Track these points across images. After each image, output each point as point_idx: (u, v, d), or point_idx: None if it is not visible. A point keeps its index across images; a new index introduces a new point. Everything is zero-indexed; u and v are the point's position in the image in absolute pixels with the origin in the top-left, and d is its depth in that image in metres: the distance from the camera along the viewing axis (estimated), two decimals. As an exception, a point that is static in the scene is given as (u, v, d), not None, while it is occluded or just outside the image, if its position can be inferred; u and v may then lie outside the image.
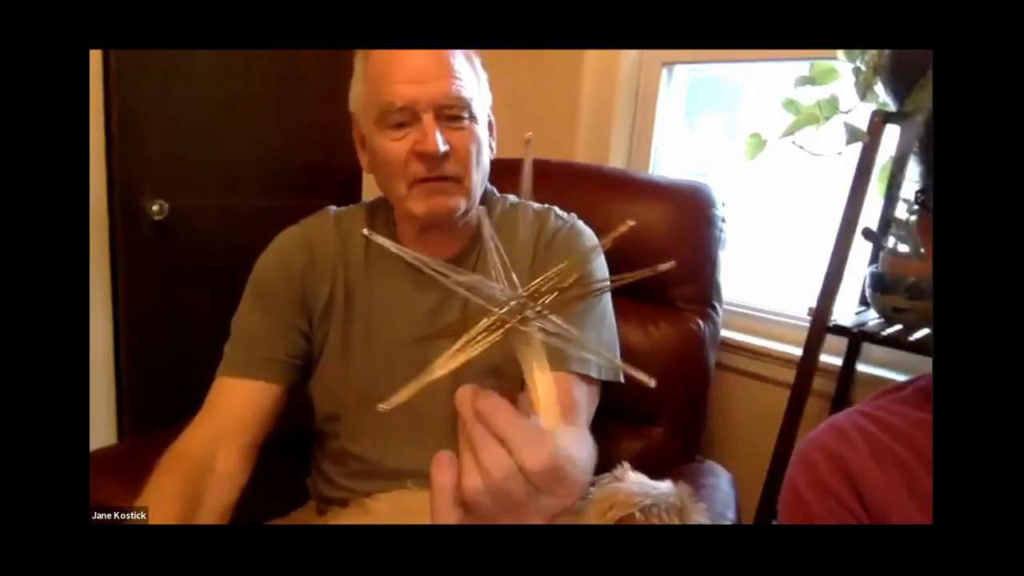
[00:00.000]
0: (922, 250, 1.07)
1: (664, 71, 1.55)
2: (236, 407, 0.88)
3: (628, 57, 1.56)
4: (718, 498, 1.05)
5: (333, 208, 0.99)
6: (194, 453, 0.84)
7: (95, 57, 1.37)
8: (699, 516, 0.81)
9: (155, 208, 1.46)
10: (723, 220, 1.23)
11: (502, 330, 0.41)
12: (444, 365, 0.42)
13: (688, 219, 1.21)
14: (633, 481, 0.83)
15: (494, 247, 0.43)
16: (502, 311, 0.41)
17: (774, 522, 0.80)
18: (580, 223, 0.97)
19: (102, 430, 1.49)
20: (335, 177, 1.22)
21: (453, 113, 0.82)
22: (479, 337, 0.42)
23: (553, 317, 0.42)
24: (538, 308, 0.41)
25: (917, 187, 0.57)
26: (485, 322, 0.42)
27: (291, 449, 1.04)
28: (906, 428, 0.57)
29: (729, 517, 1.00)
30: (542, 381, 0.41)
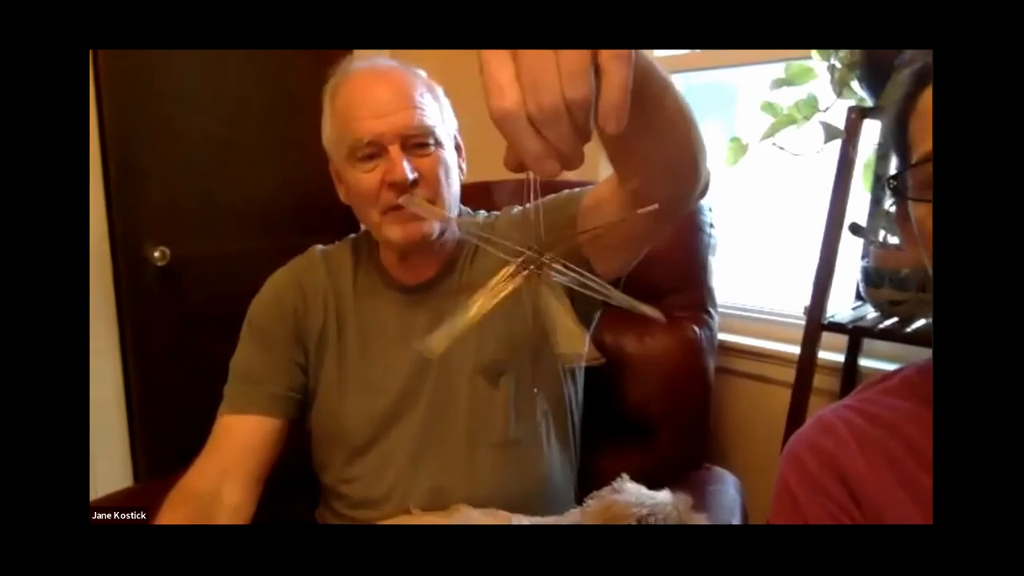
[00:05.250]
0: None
1: (647, 82, 1.56)
2: (238, 442, 0.91)
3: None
4: (724, 504, 1.05)
5: (320, 247, 1.03)
6: (199, 489, 0.87)
7: (90, 110, 1.42)
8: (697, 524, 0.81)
9: (157, 255, 1.50)
10: (712, 226, 1.23)
11: (521, 275, 0.46)
12: (476, 307, 0.46)
13: (676, 227, 1.22)
14: (630, 492, 0.83)
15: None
16: (519, 260, 0.46)
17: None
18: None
19: (118, 473, 1.52)
20: (331, 216, 1.26)
21: (418, 141, 0.86)
22: (502, 285, 0.46)
23: (564, 264, 0.47)
24: (549, 257, 0.46)
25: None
26: (505, 271, 0.46)
27: (302, 484, 1.06)
28: (892, 419, 0.57)
29: (734, 523, 1.00)
30: (560, 311, 0.45)
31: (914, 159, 0.53)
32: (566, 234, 0.48)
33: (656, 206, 0.51)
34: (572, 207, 0.86)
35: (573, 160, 0.39)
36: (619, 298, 0.48)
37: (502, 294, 0.46)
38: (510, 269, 0.46)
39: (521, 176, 0.43)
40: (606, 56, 0.37)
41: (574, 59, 0.36)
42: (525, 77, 0.37)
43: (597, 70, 0.37)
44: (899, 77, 0.56)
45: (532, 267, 0.46)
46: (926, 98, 0.52)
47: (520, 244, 0.47)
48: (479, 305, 0.46)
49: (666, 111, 0.60)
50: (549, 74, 0.36)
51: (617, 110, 0.37)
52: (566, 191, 0.92)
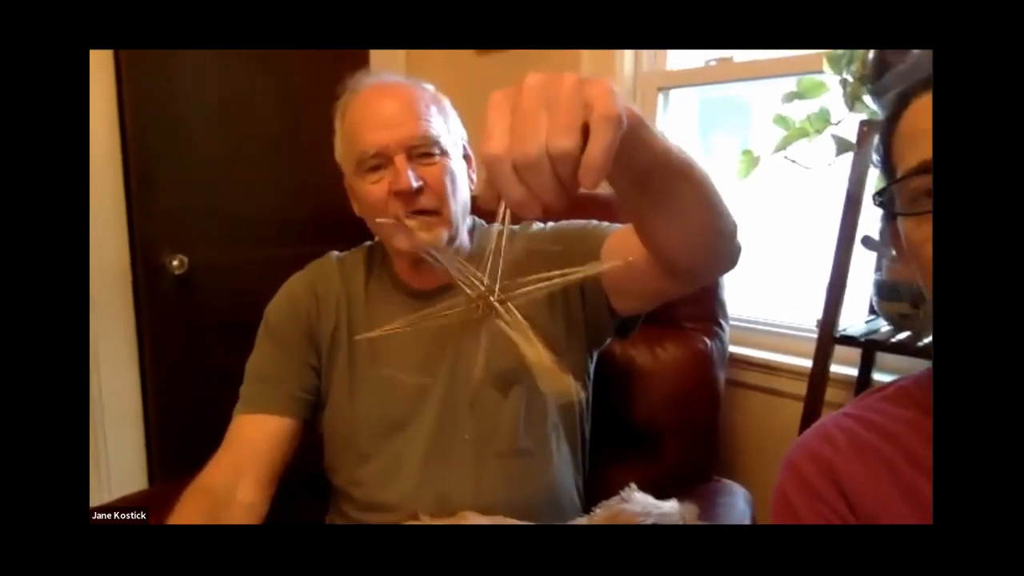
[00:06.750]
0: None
1: (660, 96, 1.58)
2: (253, 441, 0.93)
3: (624, 85, 1.59)
4: (733, 516, 1.05)
5: (335, 253, 1.05)
6: (214, 486, 0.89)
7: (111, 120, 1.45)
8: (703, 534, 0.80)
9: (175, 263, 1.53)
10: (723, 238, 1.23)
11: (467, 309, 0.48)
12: (412, 320, 0.49)
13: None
14: (637, 501, 0.83)
15: (458, 263, 0.49)
16: (472, 293, 0.48)
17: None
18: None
19: (134, 477, 1.55)
20: (346, 224, 1.29)
21: (423, 151, 0.88)
22: (446, 315, 0.49)
23: (511, 306, 0.47)
24: (501, 298, 0.47)
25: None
26: (454, 300, 0.48)
27: (314, 487, 1.07)
28: (889, 426, 0.57)
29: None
30: (533, 352, 0.46)
31: (899, 175, 0.54)
32: (525, 280, 0.49)
33: (619, 263, 0.54)
34: (597, 239, 0.87)
35: (553, 208, 0.42)
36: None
37: (440, 320, 0.48)
38: (459, 301, 0.48)
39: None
40: (596, 118, 0.40)
41: (563, 115, 0.40)
42: (515, 127, 0.40)
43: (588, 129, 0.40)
44: (884, 100, 0.57)
45: (483, 305, 0.47)
46: (907, 118, 0.54)
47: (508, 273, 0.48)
48: (418, 320, 0.48)
49: (682, 199, 0.61)
50: (537, 127, 0.39)
51: (595, 169, 0.40)
52: (593, 221, 0.93)
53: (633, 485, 0.87)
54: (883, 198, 0.56)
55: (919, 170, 0.51)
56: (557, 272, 0.48)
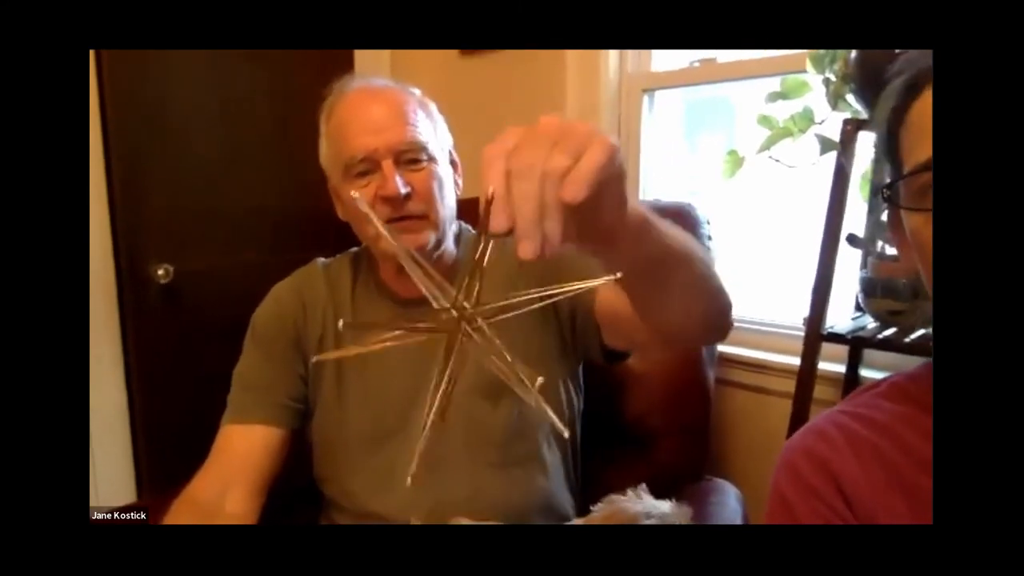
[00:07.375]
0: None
1: (645, 97, 1.58)
2: (241, 451, 0.92)
3: (609, 86, 1.60)
4: (725, 516, 1.05)
5: (321, 260, 1.04)
6: (202, 498, 0.88)
7: (94, 127, 1.43)
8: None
9: (161, 272, 1.51)
10: (710, 238, 1.24)
11: (435, 332, 0.47)
12: (369, 347, 0.47)
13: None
14: (635, 500, 0.83)
15: (419, 266, 0.47)
16: (442, 316, 0.46)
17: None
18: None
19: (121, 489, 1.53)
20: (333, 229, 1.29)
21: (411, 156, 0.87)
22: (413, 336, 0.47)
23: (485, 329, 0.45)
24: (477, 323, 0.46)
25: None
26: (423, 325, 0.47)
27: (305, 498, 1.06)
28: (883, 420, 0.57)
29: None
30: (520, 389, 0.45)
31: (906, 169, 0.53)
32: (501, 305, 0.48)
33: (604, 280, 0.52)
34: (595, 268, 0.86)
35: (524, 232, 0.43)
36: (533, 400, 0.46)
37: (405, 341, 0.48)
38: (427, 325, 0.47)
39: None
40: (596, 144, 0.43)
41: (569, 143, 0.42)
42: (527, 135, 0.43)
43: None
44: (889, 88, 0.56)
45: (456, 329, 0.46)
46: (916, 109, 0.52)
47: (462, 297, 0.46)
48: (380, 345, 0.47)
49: (681, 286, 0.63)
50: (544, 144, 0.42)
51: (579, 182, 0.42)
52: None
53: (644, 486, 0.86)
54: (890, 192, 0.54)
55: (930, 165, 0.49)
56: (537, 291, 0.47)
